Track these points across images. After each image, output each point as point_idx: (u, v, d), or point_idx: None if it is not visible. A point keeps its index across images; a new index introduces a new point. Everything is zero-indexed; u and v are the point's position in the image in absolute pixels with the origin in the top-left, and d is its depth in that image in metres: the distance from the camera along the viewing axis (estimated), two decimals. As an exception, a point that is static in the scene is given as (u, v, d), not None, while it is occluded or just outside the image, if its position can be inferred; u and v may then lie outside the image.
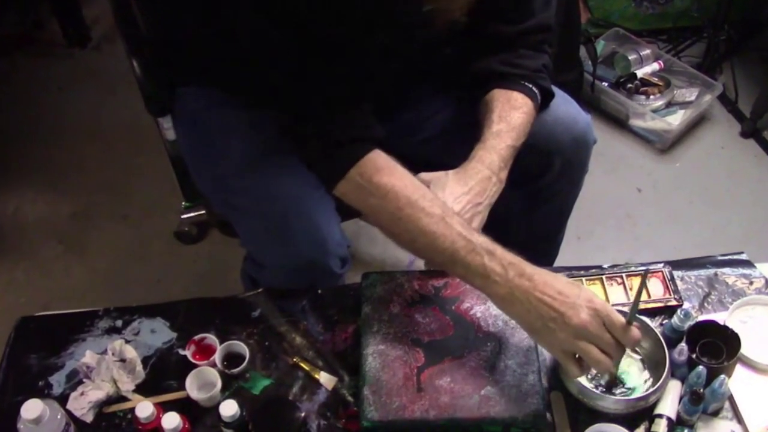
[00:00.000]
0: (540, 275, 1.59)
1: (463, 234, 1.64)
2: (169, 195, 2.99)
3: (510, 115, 1.88)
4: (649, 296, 1.89)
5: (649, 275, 1.92)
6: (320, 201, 1.88)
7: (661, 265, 1.94)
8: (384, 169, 1.72)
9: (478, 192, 1.82)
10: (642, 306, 1.85)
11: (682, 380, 1.71)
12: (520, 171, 1.91)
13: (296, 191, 1.86)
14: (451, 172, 1.84)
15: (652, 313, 1.86)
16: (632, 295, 1.87)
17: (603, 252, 3.11)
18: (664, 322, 1.84)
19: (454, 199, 1.80)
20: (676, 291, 1.89)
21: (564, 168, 2.10)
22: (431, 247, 1.66)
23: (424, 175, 1.83)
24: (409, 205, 1.67)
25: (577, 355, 1.59)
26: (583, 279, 1.92)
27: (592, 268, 1.95)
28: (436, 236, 1.64)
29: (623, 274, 1.93)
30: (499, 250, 1.62)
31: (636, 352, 1.76)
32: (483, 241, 1.63)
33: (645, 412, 1.68)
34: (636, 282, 1.91)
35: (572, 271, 1.95)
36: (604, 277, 1.93)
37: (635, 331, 1.56)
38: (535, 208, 2.24)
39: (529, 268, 1.60)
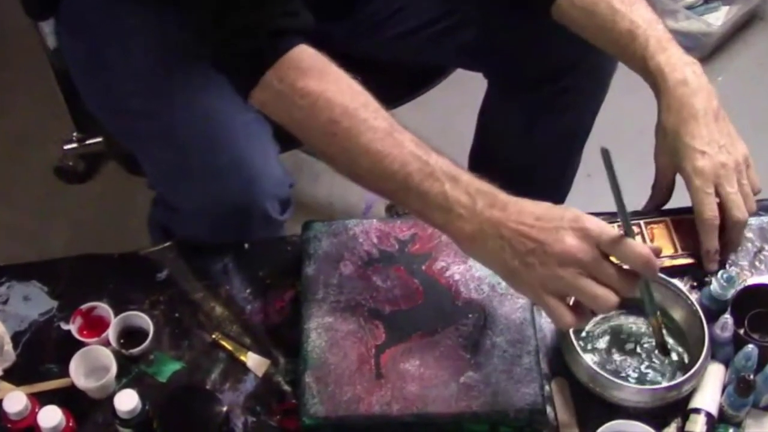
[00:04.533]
0: (516, 203, 1.56)
1: (416, 154, 1.59)
2: (50, 119, 2.98)
3: None
4: (677, 250, 1.88)
5: (676, 219, 1.90)
6: (252, 125, 1.89)
7: (697, 210, 1.93)
8: (312, 71, 1.65)
9: None
10: (670, 263, 1.85)
11: (726, 364, 1.71)
12: (538, 68, 1.89)
13: (220, 112, 1.87)
14: None
15: (683, 273, 1.86)
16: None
17: (619, 193, 3.11)
18: (701, 287, 1.83)
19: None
20: (716, 245, 1.88)
21: (589, 67, 2.11)
22: (376, 172, 1.61)
23: None
24: (346, 116, 1.62)
25: (572, 301, 1.55)
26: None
27: (604, 214, 1.93)
28: (382, 156, 1.59)
29: (641, 222, 1.92)
30: (465, 176, 1.58)
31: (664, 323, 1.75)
32: (443, 163, 1.59)
33: (677, 405, 1.68)
34: (659, 232, 1.90)
35: (580, 218, 1.94)
36: (617, 225, 1.91)
37: (640, 247, 1.52)
38: (541, 121, 2.24)
39: (503, 196, 1.57)
